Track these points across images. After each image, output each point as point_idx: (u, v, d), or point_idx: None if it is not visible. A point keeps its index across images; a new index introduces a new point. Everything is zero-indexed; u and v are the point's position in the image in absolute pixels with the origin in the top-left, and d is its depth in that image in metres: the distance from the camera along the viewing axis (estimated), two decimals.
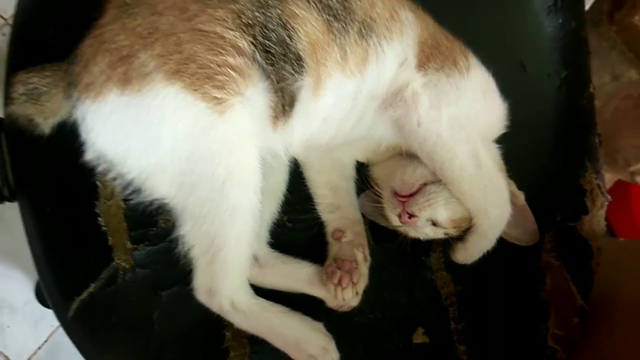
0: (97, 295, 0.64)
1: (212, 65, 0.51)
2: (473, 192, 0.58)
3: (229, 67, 0.51)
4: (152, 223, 0.65)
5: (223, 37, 0.51)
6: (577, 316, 0.70)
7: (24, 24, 0.66)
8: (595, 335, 0.70)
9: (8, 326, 1.31)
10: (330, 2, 0.54)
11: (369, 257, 0.65)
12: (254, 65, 0.53)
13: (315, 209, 0.68)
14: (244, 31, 0.52)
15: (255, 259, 0.63)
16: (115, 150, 0.55)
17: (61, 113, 0.58)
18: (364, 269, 0.63)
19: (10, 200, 0.69)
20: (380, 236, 0.69)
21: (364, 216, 0.69)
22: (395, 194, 0.60)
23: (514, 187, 0.63)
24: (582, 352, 0.70)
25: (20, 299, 1.31)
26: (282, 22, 0.53)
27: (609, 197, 0.75)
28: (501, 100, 0.63)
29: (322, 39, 0.54)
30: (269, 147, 0.58)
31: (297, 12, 0.53)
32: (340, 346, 0.62)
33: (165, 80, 0.51)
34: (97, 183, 0.63)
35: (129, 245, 0.65)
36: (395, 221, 0.62)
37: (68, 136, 0.58)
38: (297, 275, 0.64)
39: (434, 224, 0.60)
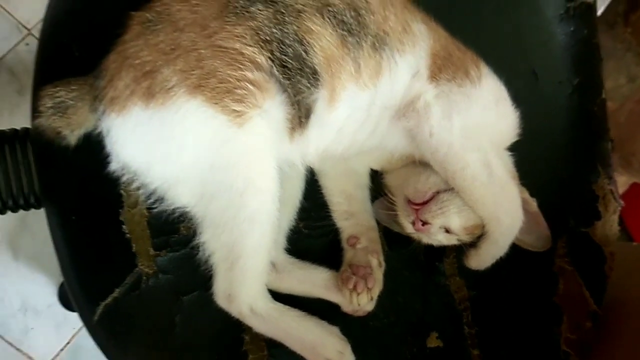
0: (122, 300, 0.66)
1: (231, 79, 0.53)
2: (485, 200, 0.58)
3: (247, 82, 0.53)
4: (174, 230, 0.66)
5: (242, 53, 0.53)
6: (590, 320, 0.70)
7: (50, 38, 0.68)
8: (609, 339, 0.70)
9: (32, 328, 1.33)
10: (344, 17, 0.55)
11: (383, 263, 0.65)
12: (271, 79, 0.54)
13: (330, 216, 0.69)
14: (262, 47, 0.54)
15: (273, 265, 0.64)
16: (139, 161, 0.57)
17: (87, 125, 0.60)
18: (378, 274, 0.64)
19: (36, 208, 0.70)
20: (395, 242, 0.69)
21: (378, 223, 0.69)
22: (409, 201, 0.61)
23: (526, 194, 0.64)
24: (595, 356, 0.70)
25: (43, 302, 1.33)
26: (299, 37, 0.54)
27: (622, 202, 0.74)
28: (513, 109, 0.63)
29: (337, 53, 0.55)
30: (285, 157, 0.59)
31: (312, 28, 0.54)
32: (355, 350, 0.63)
33: (187, 95, 0.53)
34: (122, 192, 0.65)
35: (151, 251, 0.66)
36: (408, 228, 0.62)
37: (93, 147, 0.60)
38: (313, 280, 0.65)
39: (447, 231, 0.61)
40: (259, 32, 0.54)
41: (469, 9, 0.71)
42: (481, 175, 0.57)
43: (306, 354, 0.62)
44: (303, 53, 0.54)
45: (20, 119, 1.35)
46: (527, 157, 0.67)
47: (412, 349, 0.70)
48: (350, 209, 0.68)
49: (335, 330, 0.63)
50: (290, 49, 0.54)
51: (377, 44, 0.56)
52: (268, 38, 0.54)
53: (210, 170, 0.55)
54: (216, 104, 0.53)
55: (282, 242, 0.67)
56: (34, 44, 1.37)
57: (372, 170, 0.70)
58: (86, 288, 0.67)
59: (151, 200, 0.60)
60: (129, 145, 0.57)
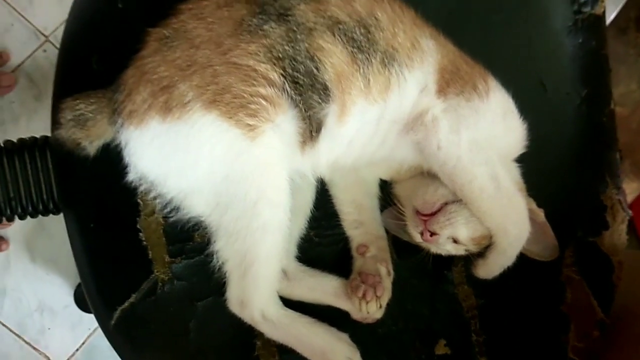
0: (138, 305, 0.67)
1: (245, 95, 0.54)
2: (492, 212, 0.59)
3: (260, 97, 0.54)
4: (189, 238, 0.68)
5: (255, 70, 0.54)
6: (598, 329, 0.70)
7: (69, 51, 0.69)
8: (616, 347, 0.70)
9: (49, 328, 1.36)
10: (354, 34, 0.56)
11: (392, 272, 0.66)
12: (283, 95, 0.55)
13: (340, 225, 0.70)
14: (274, 64, 0.55)
15: (284, 273, 0.66)
16: (156, 172, 0.59)
17: (106, 137, 0.62)
18: (387, 283, 0.64)
19: (54, 214, 0.72)
20: (403, 250, 0.70)
21: (387, 231, 0.70)
22: (417, 212, 0.62)
23: (534, 205, 0.64)
24: None
25: (60, 303, 1.36)
26: (310, 55, 0.55)
27: (630, 212, 0.75)
28: (520, 121, 0.64)
29: (347, 69, 0.56)
30: (297, 168, 0.60)
31: (323, 45, 0.55)
32: (364, 356, 0.64)
33: (203, 109, 0.54)
34: (139, 201, 0.66)
35: (167, 258, 0.68)
36: (417, 238, 0.63)
37: (112, 158, 0.61)
38: (323, 288, 0.66)
39: (455, 241, 0.62)
40: (272, 49, 0.55)
41: (478, 21, 0.71)
42: (489, 188, 0.58)
43: (316, 359, 0.63)
44: (314, 70, 0.56)
45: (37, 124, 1.39)
46: (535, 167, 0.67)
47: (421, 356, 0.70)
48: (359, 218, 0.69)
49: (344, 336, 0.64)
50: (302, 66, 0.55)
51: (386, 60, 0.57)
52: (281, 55, 0.55)
53: (224, 182, 0.57)
54: (230, 118, 0.54)
55: (294, 250, 0.68)
56: (51, 50, 1.39)
57: (381, 180, 0.71)
58: (104, 293, 0.68)
59: (167, 210, 0.61)
60: (147, 156, 0.58)
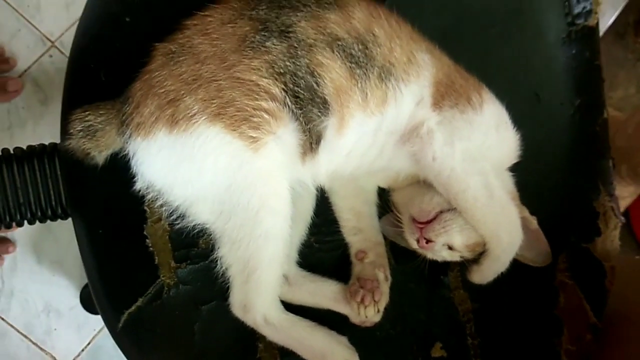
0: (144, 309, 0.69)
1: (248, 108, 0.56)
2: (485, 220, 0.60)
3: (263, 111, 0.56)
4: (194, 244, 0.69)
5: (258, 85, 0.56)
6: (590, 332, 0.71)
7: (78, 63, 0.70)
8: (609, 350, 0.72)
9: (55, 329, 1.37)
10: (352, 50, 0.58)
11: (389, 277, 0.67)
12: (284, 108, 0.57)
13: (340, 232, 0.71)
14: (276, 79, 0.57)
15: (286, 278, 0.67)
16: (163, 181, 0.60)
17: (114, 147, 0.64)
18: (385, 287, 0.66)
19: (62, 219, 0.74)
20: (401, 256, 0.71)
21: (385, 238, 0.71)
22: (414, 220, 0.63)
23: (527, 213, 0.66)
24: None
25: (65, 304, 1.38)
26: (310, 70, 0.57)
27: (623, 218, 0.77)
28: (514, 132, 0.65)
29: (346, 84, 0.58)
30: (298, 178, 0.62)
31: (323, 61, 0.57)
32: (363, 358, 0.65)
33: (208, 122, 0.56)
34: (146, 209, 0.68)
35: (173, 264, 0.69)
36: (414, 244, 0.64)
37: (120, 167, 0.63)
38: (323, 292, 0.67)
39: (450, 248, 0.63)
40: (274, 65, 0.57)
41: (474, 35, 0.73)
42: (482, 197, 0.59)
43: None
44: (314, 84, 0.57)
45: (44, 128, 1.41)
46: (529, 175, 0.69)
47: (417, 359, 0.72)
48: (358, 225, 0.70)
49: (343, 339, 0.65)
50: (303, 81, 0.57)
51: (383, 75, 0.59)
52: (282, 70, 0.57)
53: (228, 191, 0.58)
54: (234, 130, 0.56)
55: (295, 256, 0.69)
56: (57, 56, 1.41)
57: (379, 187, 0.72)
58: (111, 297, 0.70)
59: (173, 217, 0.63)
60: (154, 166, 0.60)
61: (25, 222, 0.73)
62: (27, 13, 1.39)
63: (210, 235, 0.64)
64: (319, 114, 0.58)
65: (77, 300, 1.38)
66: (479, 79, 0.66)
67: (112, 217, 0.70)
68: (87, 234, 0.70)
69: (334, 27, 0.59)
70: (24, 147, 0.74)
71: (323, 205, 0.71)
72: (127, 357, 0.71)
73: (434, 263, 0.67)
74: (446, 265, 0.71)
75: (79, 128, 0.63)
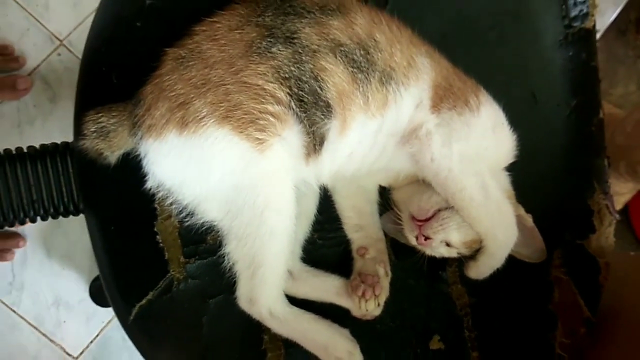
0: (155, 302, 0.71)
1: (255, 112, 0.58)
2: (481, 218, 0.62)
3: (269, 114, 0.58)
4: (202, 240, 0.71)
5: (264, 89, 0.58)
6: (584, 326, 0.73)
7: (90, 65, 0.72)
8: (602, 345, 0.74)
9: (64, 321, 1.39)
10: (354, 56, 0.60)
11: (389, 272, 0.69)
12: (289, 111, 0.59)
13: (342, 229, 0.73)
14: (281, 83, 0.59)
15: (290, 273, 0.69)
16: (173, 180, 0.62)
17: (126, 147, 0.66)
18: (385, 282, 0.68)
19: (74, 215, 0.76)
20: (401, 252, 0.73)
21: (386, 234, 0.73)
22: (413, 218, 0.65)
23: (522, 211, 0.67)
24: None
25: (75, 297, 1.39)
26: (314, 75, 0.59)
27: (618, 215, 0.78)
28: (510, 133, 0.67)
29: (348, 88, 0.60)
30: (302, 178, 0.64)
31: (326, 66, 0.59)
32: (364, 350, 0.67)
33: (216, 124, 0.58)
34: (156, 206, 0.70)
35: (182, 259, 0.71)
36: (413, 241, 0.66)
37: (132, 166, 0.65)
38: (326, 287, 0.69)
39: (448, 244, 0.65)
40: (280, 70, 0.59)
41: (473, 37, 0.75)
42: (478, 197, 0.61)
43: (319, 353, 0.66)
44: (318, 89, 0.59)
45: (52, 126, 1.43)
46: (526, 174, 0.70)
47: (416, 351, 0.74)
48: (360, 222, 0.72)
49: (345, 332, 0.67)
50: (307, 85, 0.59)
51: (384, 79, 0.61)
52: (287, 75, 0.59)
53: (235, 190, 0.61)
54: (241, 132, 0.58)
55: (299, 252, 0.71)
56: (65, 54, 1.42)
57: (380, 185, 0.74)
58: (123, 291, 0.72)
59: (183, 214, 0.65)
60: (164, 166, 0.62)
61: (39, 218, 0.76)
62: (35, 12, 1.40)
63: (218, 232, 0.65)
64: (322, 116, 0.60)
65: (86, 294, 1.40)
66: (477, 81, 0.68)
67: (124, 214, 0.72)
68: (100, 231, 0.72)
69: (337, 33, 0.60)
70: (37, 146, 0.76)
71: (326, 203, 0.73)
72: (138, 348, 0.73)
73: (432, 259, 0.69)
74: (444, 261, 0.73)
75: (92, 129, 0.65)
